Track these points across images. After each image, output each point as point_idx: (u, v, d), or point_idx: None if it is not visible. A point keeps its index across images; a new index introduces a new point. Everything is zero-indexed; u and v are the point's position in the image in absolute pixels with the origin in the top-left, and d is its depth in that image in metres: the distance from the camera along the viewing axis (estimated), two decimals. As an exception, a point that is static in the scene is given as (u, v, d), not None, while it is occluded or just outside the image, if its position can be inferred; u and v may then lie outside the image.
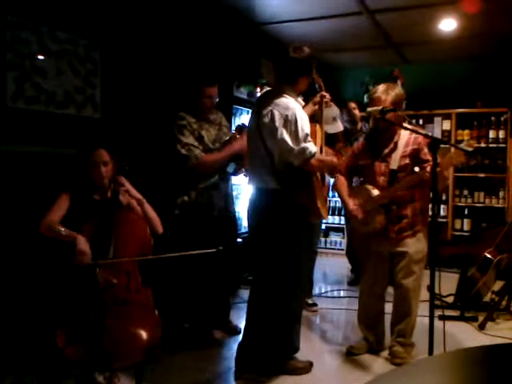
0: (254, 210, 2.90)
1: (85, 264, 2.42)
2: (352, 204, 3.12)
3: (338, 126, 3.94)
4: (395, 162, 3.03)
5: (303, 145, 2.67)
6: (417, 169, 2.83)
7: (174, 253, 2.48)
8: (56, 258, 2.64)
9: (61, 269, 2.57)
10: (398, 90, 3.06)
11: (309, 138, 2.71)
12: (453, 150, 2.76)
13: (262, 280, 2.87)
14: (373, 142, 3.17)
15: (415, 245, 3.05)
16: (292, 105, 2.74)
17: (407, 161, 3.01)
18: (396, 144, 3.06)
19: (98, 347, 2.20)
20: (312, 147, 2.69)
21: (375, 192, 3.04)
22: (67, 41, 3.28)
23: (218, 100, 3.48)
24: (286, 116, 2.69)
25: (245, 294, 3.35)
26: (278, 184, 2.76)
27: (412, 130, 2.98)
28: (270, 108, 2.74)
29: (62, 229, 2.53)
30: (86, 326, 2.26)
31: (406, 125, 3.04)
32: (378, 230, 3.05)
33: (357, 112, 4.88)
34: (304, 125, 2.71)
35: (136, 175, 2.85)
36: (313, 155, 2.68)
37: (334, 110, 3.83)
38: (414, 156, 3.00)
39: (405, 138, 3.06)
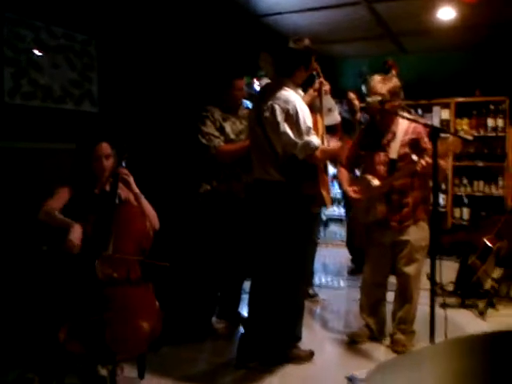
0: (257, 202, 2.89)
1: (73, 253, 2.43)
2: (351, 190, 3.15)
3: (335, 118, 3.89)
4: (394, 151, 3.03)
5: (306, 138, 2.66)
6: (415, 157, 2.82)
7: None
8: (55, 254, 2.65)
9: (61, 263, 2.57)
10: (394, 80, 3.06)
11: (312, 131, 2.70)
12: (451, 137, 2.75)
13: (265, 270, 2.88)
14: (372, 133, 3.18)
15: (417, 233, 3.06)
16: (292, 98, 2.72)
17: (407, 149, 3.00)
18: (394, 133, 3.06)
19: (100, 340, 2.21)
20: (315, 140, 2.68)
21: (375, 182, 3.04)
22: (63, 36, 3.26)
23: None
24: (288, 110, 2.67)
25: (246, 285, 3.35)
26: (282, 176, 2.75)
27: (411, 120, 2.97)
28: (270, 102, 2.72)
29: (60, 215, 2.53)
30: (88, 320, 2.28)
31: (405, 114, 3.04)
32: (379, 220, 3.06)
33: (356, 102, 4.85)
34: (306, 117, 2.70)
35: (135, 168, 2.85)
36: (316, 148, 2.67)
37: (329, 101, 3.80)
38: (414, 145, 3.00)
39: (404, 126, 3.06)
